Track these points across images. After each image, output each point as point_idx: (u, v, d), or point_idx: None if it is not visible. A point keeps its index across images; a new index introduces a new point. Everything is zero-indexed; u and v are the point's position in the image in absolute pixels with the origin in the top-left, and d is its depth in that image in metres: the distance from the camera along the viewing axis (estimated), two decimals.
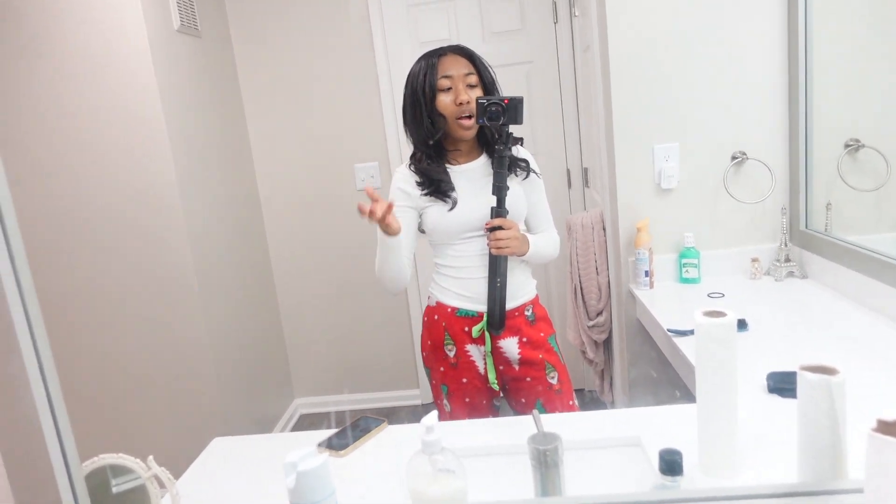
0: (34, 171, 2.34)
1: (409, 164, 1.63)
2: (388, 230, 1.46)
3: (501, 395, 1.73)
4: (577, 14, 2.73)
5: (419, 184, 1.59)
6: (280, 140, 3.10)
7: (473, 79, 1.55)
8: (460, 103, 1.53)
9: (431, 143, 1.58)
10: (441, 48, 1.59)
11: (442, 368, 1.68)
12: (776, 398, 1.21)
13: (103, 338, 2.48)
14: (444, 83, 1.54)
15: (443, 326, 1.65)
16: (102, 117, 2.29)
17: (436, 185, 1.57)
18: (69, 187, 2.36)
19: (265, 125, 3.09)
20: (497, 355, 1.65)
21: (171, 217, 2.36)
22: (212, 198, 2.63)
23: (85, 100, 2.28)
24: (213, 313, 2.53)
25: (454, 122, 1.55)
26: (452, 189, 1.58)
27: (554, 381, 1.66)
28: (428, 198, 1.59)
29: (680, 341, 1.55)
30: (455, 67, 1.55)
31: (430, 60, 1.56)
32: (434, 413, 0.89)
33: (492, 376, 1.64)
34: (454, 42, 2.85)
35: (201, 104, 2.63)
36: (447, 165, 1.61)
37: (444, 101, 1.55)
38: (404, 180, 1.61)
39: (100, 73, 2.26)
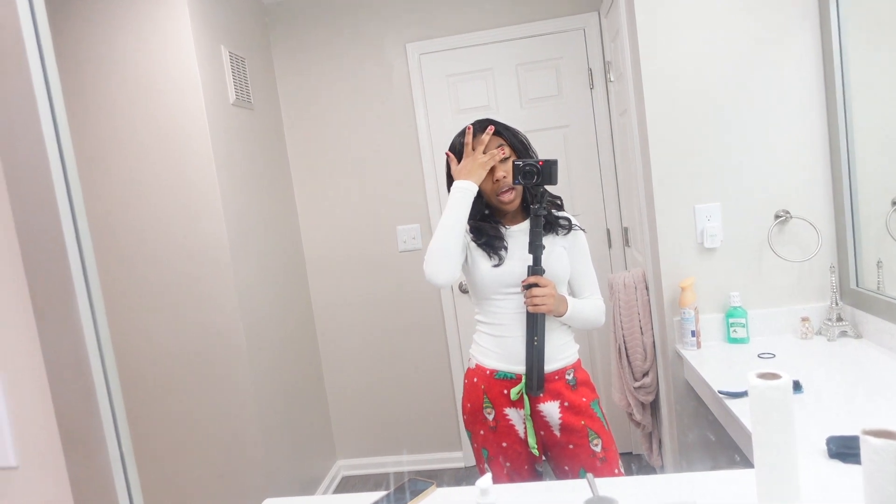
0: (95, 231, 2.47)
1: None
2: (482, 166, 1.55)
3: (544, 459, 1.71)
4: (612, 80, 2.81)
5: (472, 232, 1.65)
6: (325, 206, 3.21)
7: (506, 150, 1.61)
8: (496, 180, 1.59)
9: (479, 218, 1.65)
10: (473, 126, 1.63)
11: (482, 432, 1.67)
12: (837, 464, 1.18)
13: (154, 398, 2.54)
14: None
15: (482, 389, 1.65)
16: (163, 182, 2.43)
17: (489, 241, 1.63)
18: (129, 246, 2.48)
19: (312, 192, 3.21)
20: (538, 420, 1.64)
21: (222, 278, 2.45)
22: (260, 260, 2.73)
23: (148, 165, 2.43)
24: (258, 373, 2.58)
25: (495, 199, 1.62)
26: (503, 248, 1.62)
27: (598, 449, 1.62)
28: (477, 246, 1.63)
29: (732, 403, 1.52)
30: (487, 146, 1.60)
31: (460, 141, 1.63)
32: (489, 475, 0.89)
33: (531, 440, 1.62)
34: (492, 109, 2.97)
35: (252, 172, 2.76)
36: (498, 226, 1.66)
37: (484, 184, 1.61)
38: None
39: (162, 143, 2.41)
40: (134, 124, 2.42)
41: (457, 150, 1.65)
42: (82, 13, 2.38)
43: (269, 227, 2.87)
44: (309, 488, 2.98)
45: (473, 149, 1.60)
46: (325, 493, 3.09)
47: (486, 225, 1.65)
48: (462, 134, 1.64)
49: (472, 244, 1.65)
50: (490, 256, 1.62)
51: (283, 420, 2.76)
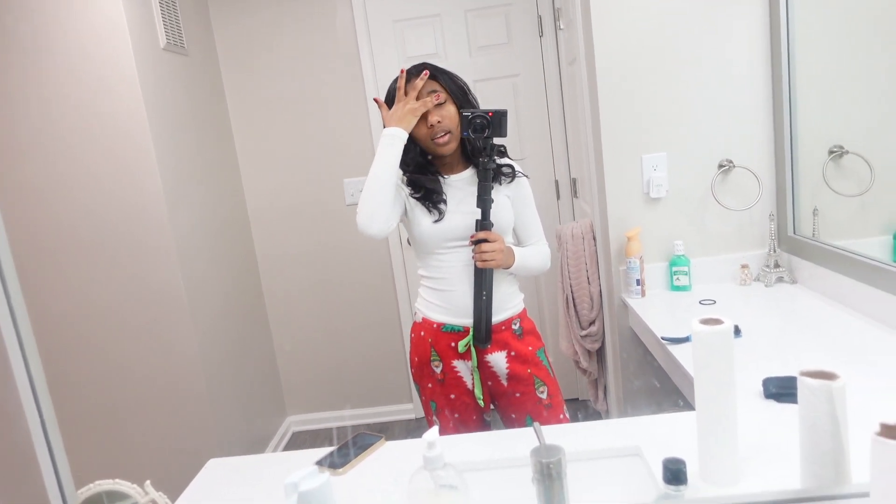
0: (21, 187, 2.31)
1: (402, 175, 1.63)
2: (412, 112, 1.49)
3: (492, 409, 1.73)
4: (562, 27, 2.76)
5: (409, 185, 1.60)
6: (268, 156, 3.09)
7: (441, 96, 1.53)
8: (431, 126, 1.52)
9: (415, 169, 1.59)
10: (406, 73, 1.54)
11: (430, 385, 1.67)
12: (773, 404, 1.22)
13: (93, 357, 2.44)
14: None
15: (429, 343, 1.64)
16: (90, 133, 2.27)
17: (427, 194, 1.58)
18: (57, 202, 2.33)
19: (253, 141, 3.09)
20: (485, 370, 1.65)
21: (159, 233, 2.34)
22: (200, 214, 2.62)
23: (72, 115, 2.26)
24: (202, 330, 2.50)
25: (430, 144, 1.55)
26: (443, 201, 1.58)
27: (543, 396, 1.65)
28: (416, 201, 1.59)
29: (675, 349, 1.56)
30: (421, 91, 1.52)
31: (394, 87, 1.55)
32: (435, 428, 0.88)
33: (478, 391, 1.63)
34: (440, 56, 2.89)
35: (188, 120, 2.62)
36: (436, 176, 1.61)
37: (417, 130, 1.53)
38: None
39: (87, 90, 2.24)
40: (56, 73, 2.23)
41: (390, 96, 1.57)
42: None
43: (207, 179, 2.75)
44: (258, 446, 2.96)
45: (406, 94, 1.51)
46: (274, 450, 3.08)
47: (423, 178, 1.59)
48: (390, 86, 1.57)
49: (411, 199, 1.59)
50: (430, 211, 1.57)
51: (229, 377, 2.71)
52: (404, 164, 1.57)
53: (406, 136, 1.51)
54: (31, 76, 2.24)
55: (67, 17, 2.20)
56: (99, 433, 2.47)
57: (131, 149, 2.28)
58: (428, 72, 1.52)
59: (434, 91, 1.53)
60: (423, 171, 1.60)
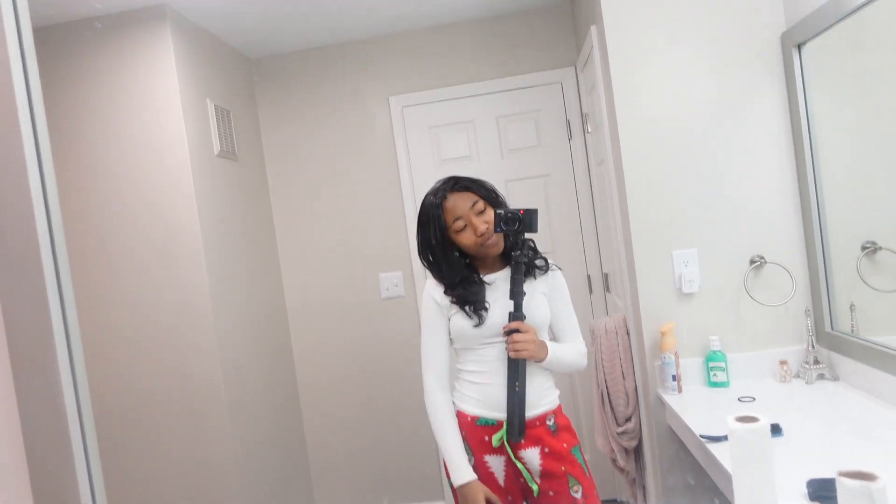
0: (84, 284, 2.45)
1: (444, 288, 1.68)
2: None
3: None
4: (589, 131, 2.89)
5: (448, 293, 1.65)
6: (307, 252, 3.22)
7: (480, 205, 1.63)
8: (480, 234, 1.61)
9: (461, 266, 1.66)
10: (439, 192, 1.64)
11: None
12: None
13: (130, 448, 2.48)
14: (458, 225, 1.62)
15: (462, 436, 1.65)
16: (148, 232, 2.43)
17: (469, 300, 1.63)
18: (110, 301, 2.46)
19: (293, 238, 3.23)
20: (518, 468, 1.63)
21: (202, 328, 2.43)
22: (241, 309, 2.71)
23: (134, 217, 2.44)
24: (238, 423, 2.53)
25: (480, 249, 1.63)
26: (484, 308, 1.63)
27: (578, 496, 1.62)
28: (456, 306, 1.64)
29: (714, 447, 1.53)
30: (461, 206, 1.62)
31: (435, 212, 1.63)
32: None
33: (526, 475, 1.61)
34: (474, 158, 3.03)
35: (235, 220, 2.77)
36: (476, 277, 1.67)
37: (465, 240, 1.62)
38: (434, 290, 1.68)
39: (148, 195, 2.42)
40: (120, 178, 2.44)
41: (428, 215, 1.64)
42: (72, 69, 2.42)
43: (250, 276, 2.87)
44: None
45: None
46: None
47: (467, 288, 1.64)
48: (426, 210, 1.65)
49: (454, 307, 1.65)
50: (471, 317, 1.63)
51: (262, 470, 2.70)
52: (445, 279, 1.64)
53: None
54: (95, 171, 2.44)
55: (135, 127, 2.41)
56: None
57: (183, 247, 2.43)
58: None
59: (475, 203, 1.62)
60: (465, 279, 1.65)
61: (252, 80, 3.16)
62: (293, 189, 3.21)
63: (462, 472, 1.60)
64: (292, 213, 3.22)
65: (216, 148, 2.63)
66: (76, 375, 0.83)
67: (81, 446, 0.83)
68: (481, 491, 1.58)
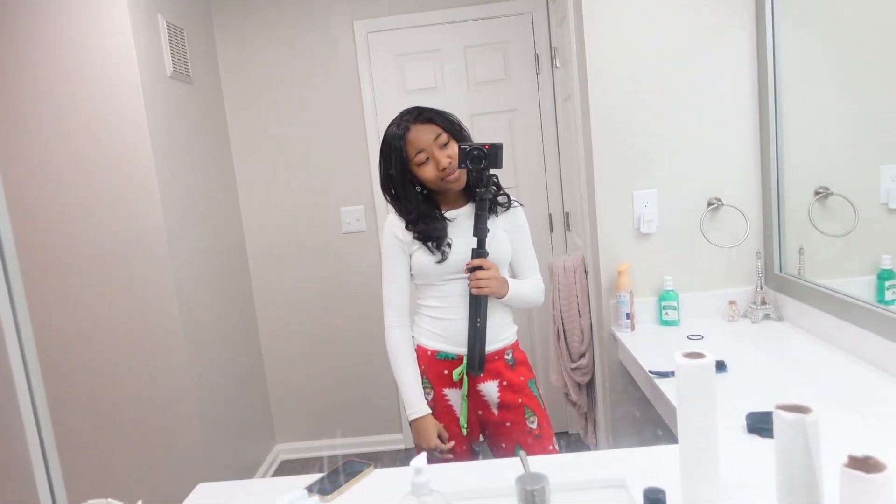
0: (22, 214, 2.34)
1: (406, 223, 1.65)
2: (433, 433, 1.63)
3: (481, 439, 1.74)
4: (558, 66, 2.84)
5: (410, 229, 1.63)
6: (267, 184, 3.14)
7: (444, 138, 1.58)
8: (443, 168, 1.57)
9: (422, 201, 1.63)
10: (402, 123, 1.59)
11: None
12: (755, 438, 1.24)
13: (88, 382, 2.45)
14: (420, 158, 1.57)
15: (422, 370, 1.67)
16: (92, 159, 2.32)
17: (432, 239, 1.61)
18: (57, 230, 2.36)
19: (252, 168, 3.14)
20: (476, 399, 1.67)
21: (158, 255, 2.37)
22: (198, 241, 2.65)
23: (76, 142, 2.31)
24: (196, 357, 2.51)
25: (441, 184, 1.60)
26: (447, 244, 1.61)
27: (534, 426, 1.67)
28: (419, 242, 1.62)
29: (661, 382, 1.58)
30: (424, 138, 1.57)
31: (397, 143, 1.58)
32: (423, 455, 0.90)
33: (463, 420, 1.65)
34: (439, 90, 2.96)
35: (190, 147, 2.67)
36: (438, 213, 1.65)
37: (427, 173, 1.58)
38: (396, 226, 1.65)
39: (92, 117, 2.29)
40: (65, 98, 2.29)
41: (390, 146, 1.60)
42: None
43: (207, 206, 2.79)
44: (247, 473, 2.94)
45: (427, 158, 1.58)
46: (263, 476, 3.06)
47: (428, 223, 1.61)
48: (388, 140, 1.61)
49: (416, 243, 1.63)
50: (433, 252, 1.61)
51: (221, 404, 2.71)
52: (406, 214, 1.61)
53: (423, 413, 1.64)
54: (39, 97, 2.29)
55: (78, 41, 2.26)
56: (91, 453, 2.46)
57: (134, 175, 2.32)
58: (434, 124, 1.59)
59: (438, 135, 1.58)
60: (426, 215, 1.62)
61: None
62: (252, 116, 3.10)
63: (416, 406, 1.62)
64: (250, 141, 3.11)
65: (168, 69, 2.50)
66: (18, 316, 0.80)
67: (29, 398, 0.80)
68: (434, 425, 1.61)
